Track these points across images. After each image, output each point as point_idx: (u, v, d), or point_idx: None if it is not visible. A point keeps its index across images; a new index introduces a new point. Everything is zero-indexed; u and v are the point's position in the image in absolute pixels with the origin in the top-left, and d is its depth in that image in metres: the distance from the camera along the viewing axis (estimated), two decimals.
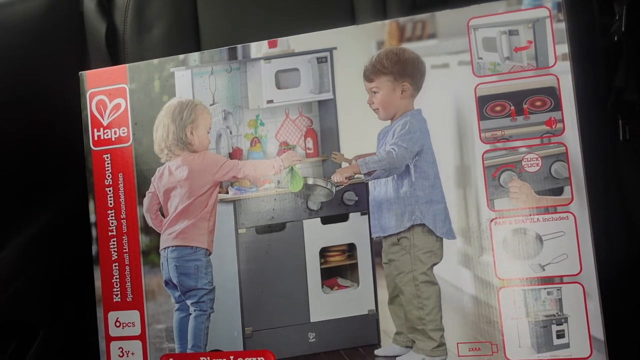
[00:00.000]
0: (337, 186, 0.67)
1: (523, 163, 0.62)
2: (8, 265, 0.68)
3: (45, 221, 0.75)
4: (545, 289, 0.61)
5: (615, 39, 0.67)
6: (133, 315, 0.70)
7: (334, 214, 0.68)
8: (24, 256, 0.71)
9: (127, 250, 0.70)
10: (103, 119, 0.71)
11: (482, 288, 0.62)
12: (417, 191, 0.65)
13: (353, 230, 0.67)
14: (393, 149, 0.65)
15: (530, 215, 0.61)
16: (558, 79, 0.61)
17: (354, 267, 0.67)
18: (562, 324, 0.60)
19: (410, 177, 0.65)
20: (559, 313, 0.60)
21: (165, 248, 0.69)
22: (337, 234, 0.68)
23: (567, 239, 0.60)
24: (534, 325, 0.61)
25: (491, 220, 0.62)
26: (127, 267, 0.70)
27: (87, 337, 0.72)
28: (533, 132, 0.62)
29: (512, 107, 0.62)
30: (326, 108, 0.68)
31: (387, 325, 0.66)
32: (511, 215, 0.62)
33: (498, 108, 0.62)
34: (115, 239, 0.70)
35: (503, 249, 0.62)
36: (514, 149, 0.62)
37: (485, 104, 0.63)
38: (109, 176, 0.71)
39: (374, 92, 0.66)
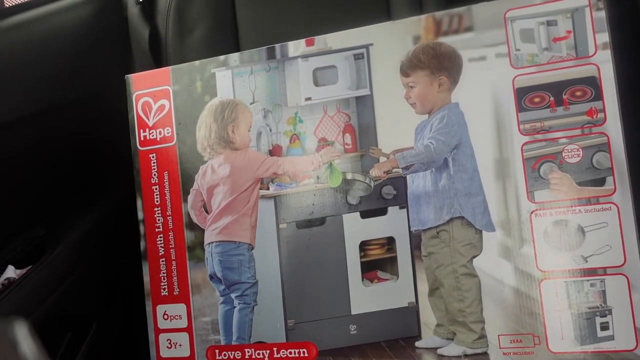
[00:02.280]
0: (375, 180, 0.68)
1: (563, 154, 0.61)
2: (63, 261, 0.72)
3: (97, 218, 0.78)
4: (588, 280, 0.60)
5: None
6: (180, 309, 0.73)
7: (372, 208, 0.68)
8: (78, 252, 0.74)
9: (173, 246, 0.73)
10: (148, 119, 0.74)
11: (523, 280, 0.62)
12: (456, 184, 0.65)
13: (392, 223, 0.68)
14: (431, 142, 0.66)
15: (571, 206, 0.61)
16: (599, 69, 0.60)
17: (393, 260, 0.68)
18: (606, 316, 0.60)
19: (449, 170, 0.65)
20: (603, 305, 0.60)
21: (209, 243, 0.72)
22: (376, 228, 0.68)
23: (610, 230, 0.60)
24: (577, 317, 0.60)
25: (531, 212, 0.62)
26: (174, 262, 0.73)
27: (137, 329, 0.75)
28: (573, 122, 0.61)
29: (552, 98, 0.62)
30: (364, 104, 0.68)
31: (428, 317, 0.66)
32: (552, 207, 0.61)
33: (537, 99, 0.62)
34: (161, 235, 0.73)
35: (544, 240, 0.62)
36: (553, 140, 0.62)
37: (524, 96, 0.62)
38: (155, 175, 0.74)
39: (411, 87, 0.66)
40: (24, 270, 0.68)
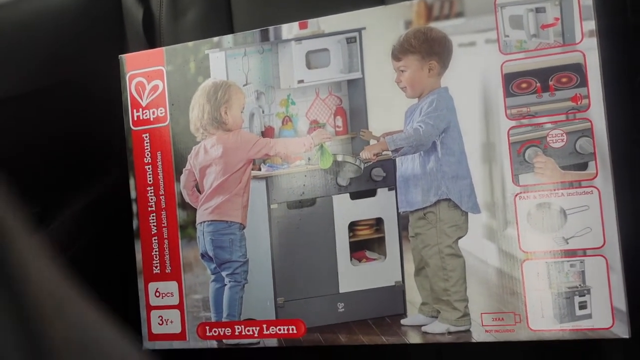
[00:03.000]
0: (365, 163, 0.69)
1: (548, 139, 0.63)
2: (55, 239, 0.72)
3: (91, 197, 0.79)
4: (568, 261, 0.62)
5: None
6: (172, 286, 0.74)
7: (362, 190, 0.70)
8: (71, 230, 0.75)
9: (165, 225, 0.74)
10: (142, 100, 0.75)
11: (506, 260, 0.64)
12: (444, 167, 0.67)
13: (381, 205, 0.70)
14: (420, 126, 0.67)
15: (554, 190, 0.63)
16: (584, 56, 0.62)
17: (381, 241, 0.70)
18: (584, 296, 0.62)
19: (437, 154, 0.67)
20: (582, 285, 0.62)
21: (201, 222, 0.73)
22: (365, 209, 0.70)
23: (591, 213, 0.62)
24: (557, 296, 0.63)
25: (516, 195, 0.64)
26: (166, 241, 0.74)
27: (129, 306, 0.77)
28: (559, 108, 0.63)
29: (538, 84, 0.63)
30: (355, 87, 0.70)
31: (413, 296, 0.68)
32: (536, 190, 0.63)
33: (524, 85, 0.64)
34: (154, 214, 0.74)
35: (527, 222, 0.64)
36: (539, 125, 0.63)
37: (512, 81, 0.64)
38: (148, 155, 0.75)
39: (402, 71, 0.67)
40: None
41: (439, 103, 0.66)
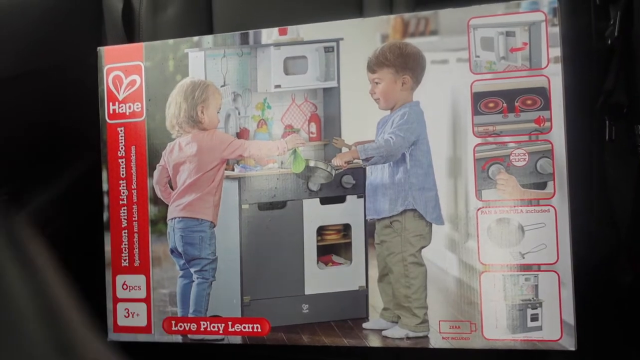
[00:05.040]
0: (336, 169, 0.71)
1: (511, 157, 0.66)
2: (24, 225, 0.72)
3: (61, 187, 0.79)
4: (523, 275, 0.65)
5: (609, 42, 0.70)
6: (139, 280, 0.75)
7: (332, 196, 0.72)
8: (40, 218, 0.75)
9: (136, 219, 0.75)
10: (119, 93, 0.75)
11: (466, 271, 0.67)
12: (411, 178, 0.69)
13: (349, 211, 0.72)
14: (391, 137, 0.69)
15: (514, 206, 0.66)
16: (549, 80, 0.65)
17: (348, 246, 0.72)
18: (536, 308, 0.65)
19: (406, 165, 0.69)
20: (535, 298, 0.65)
21: (172, 219, 0.74)
22: (334, 214, 0.72)
23: (547, 230, 0.65)
24: (511, 308, 0.66)
25: (478, 209, 0.67)
26: (136, 235, 0.75)
27: (95, 297, 0.77)
28: (522, 129, 0.66)
29: (505, 105, 0.66)
30: (330, 95, 0.71)
31: (376, 300, 0.71)
32: (497, 206, 0.66)
33: (491, 104, 0.66)
34: (125, 208, 0.75)
35: (487, 236, 0.66)
36: (503, 143, 0.66)
37: (480, 100, 0.66)
38: (122, 148, 0.75)
39: (376, 83, 0.69)
40: None
41: (410, 116, 0.69)
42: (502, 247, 0.66)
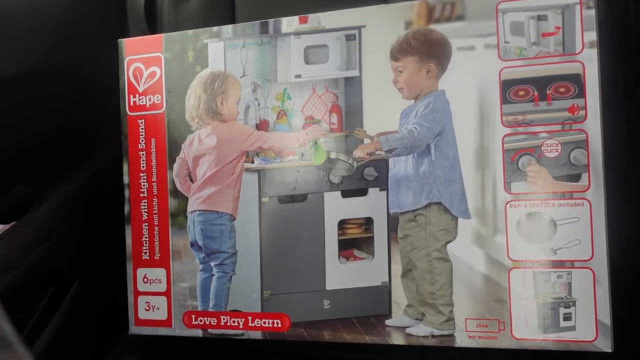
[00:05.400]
0: (358, 161, 0.69)
1: (542, 148, 0.63)
2: (47, 219, 0.73)
3: (83, 180, 0.79)
4: (555, 272, 0.62)
5: None
6: (160, 273, 0.74)
7: (353, 188, 0.70)
8: (62, 211, 0.75)
9: (156, 212, 0.74)
10: (139, 85, 0.75)
11: (494, 268, 0.64)
12: (436, 170, 0.66)
13: (371, 204, 0.69)
14: (415, 128, 0.67)
15: (546, 199, 0.62)
16: (584, 66, 0.61)
17: (370, 240, 0.70)
18: (569, 307, 0.62)
19: (430, 157, 0.67)
20: (568, 296, 0.62)
21: (192, 211, 0.73)
22: (355, 208, 0.70)
23: (581, 225, 0.61)
24: (542, 306, 0.62)
25: (507, 203, 0.63)
26: (156, 228, 0.74)
27: (117, 291, 0.77)
28: (555, 118, 0.62)
29: (536, 92, 0.63)
30: (352, 85, 0.69)
31: (399, 297, 0.68)
32: (527, 199, 0.63)
33: (521, 92, 0.63)
34: (146, 201, 0.74)
35: (517, 231, 0.63)
36: (534, 134, 0.63)
37: (509, 88, 0.63)
38: (142, 141, 0.75)
39: (400, 72, 0.67)
40: (7, 227, 0.69)
41: (435, 106, 0.66)
42: (533, 243, 0.63)
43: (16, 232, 0.68)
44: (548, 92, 0.62)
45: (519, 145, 0.63)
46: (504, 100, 0.63)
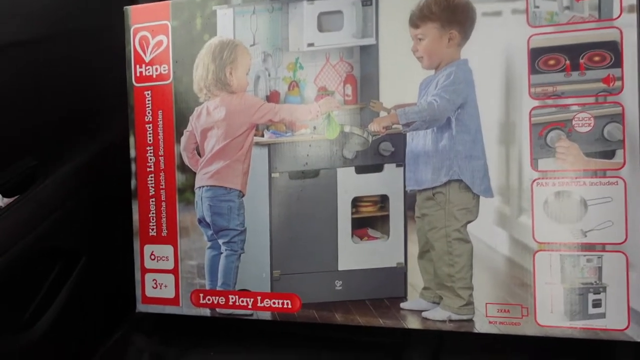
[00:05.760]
0: (373, 136, 0.65)
1: (573, 122, 0.58)
2: (52, 192, 0.71)
3: (89, 154, 0.77)
4: (585, 255, 0.58)
5: None
6: (167, 250, 0.72)
7: (368, 164, 0.66)
8: (68, 185, 0.73)
9: (163, 187, 0.72)
10: (145, 55, 0.72)
11: (518, 250, 0.60)
12: (457, 145, 0.62)
13: (387, 181, 0.66)
14: (435, 100, 0.62)
15: (576, 177, 0.58)
16: (621, 33, 0.56)
17: (385, 219, 0.66)
18: (599, 293, 0.58)
19: (451, 131, 0.63)
20: (598, 282, 0.58)
21: (200, 187, 0.70)
22: (370, 185, 0.66)
23: (615, 206, 0.57)
24: (570, 292, 0.59)
25: (533, 181, 0.59)
26: (164, 203, 0.72)
27: (124, 268, 0.75)
28: (588, 89, 0.57)
29: (568, 62, 0.58)
30: (368, 54, 0.65)
31: (415, 279, 0.65)
32: (555, 177, 0.59)
33: (552, 62, 0.58)
34: (152, 175, 0.72)
35: (544, 211, 0.59)
36: (565, 106, 0.58)
37: (538, 57, 0.59)
38: (149, 113, 0.72)
39: (419, 39, 0.63)
40: (10, 200, 0.67)
41: (457, 76, 0.62)
42: (561, 224, 0.59)
43: (19, 206, 0.66)
44: (581, 61, 0.57)
45: (547, 119, 0.59)
46: (533, 70, 0.59)
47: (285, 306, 0.68)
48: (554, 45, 0.58)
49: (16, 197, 0.68)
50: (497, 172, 0.61)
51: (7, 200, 0.67)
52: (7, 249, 0.65)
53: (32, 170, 0.72)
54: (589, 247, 0.58)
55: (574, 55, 0.58)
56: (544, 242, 0.59)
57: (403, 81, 0.63)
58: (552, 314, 0.59)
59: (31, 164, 0.71)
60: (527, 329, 0.60)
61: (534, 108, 0.59)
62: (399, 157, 0.65)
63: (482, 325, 0.62)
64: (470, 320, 0.62)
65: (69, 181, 0.73)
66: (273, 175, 0.68)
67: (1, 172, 0.70)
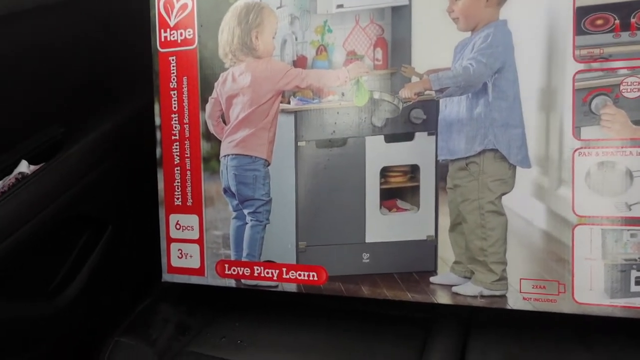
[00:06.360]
0: (404, 102, 0.62)
1: (621, 87, 0.54)
2: (78, 160, 0.70)
3: (116, 121, 0.76)
4: (629, 230, 0.55)
5: None
6: (192, 220, 0.71)
7: (399, 132, 0.63)
8: (94, 153, 0.72)
9: (188, 156, 0.70)
10: (170, 19, 0.70)
11: (556, 223, 0.57)
12: (493, 113, 0.59)
13: (418, 150, 0.63)
14: (471, 64, 0.59)
15: (622, 147, 0.54)
16: None
17: (415, 190, 0.63)
18: None
19: (487, 97, 0.59)
20: None
21: (225, 156, 0.69)
22: (400, 154, 0.63)
23: None
24: (611, 268, 0.55)
25: (575, 150, 0.56)
26: (188, 172, 0.70)
27: (151, 237, 0.75)
28: (638, 51, 0.53)
29: (617, 21, 0.54)
30: (400, 15, 0.62)
31: (446, 252, 0.62)
32: (599, 147, 0.55)
33: (599, 21, 0.54)
34: (178, 143, 0.71)
35: (585, 182, 0.56)
36: (612, 70, 0.54)
37: (585, 16, 0.54)
38: (173, 79, 0.70)
39: None
40: (36, 167, 0.67)
41: (495, 38, 0.58)
42: (604, 196, 0.55)
43: (45, 173, 0.66)
44: (632, 20, 0.53)
45: (593, 84, 0.55)
46: (578, 30, 0.55)
47: (311, 278, 0.66)
48: (602, 3, 0.54)
49: (42, 164, 0.67)
50: (536, 141, 0.57)
51: (33, 168, 0.67)
52: (34, 217, 0.65)
53: (59, 138, 0.71)
54: (633, 222, 0.54)
55: (624, 15, 0.53)
56: (584, 215, 0.56)
57: (437, 44, 0.60)
58: (591, 291, 0.56)
59: (57, 131, 0.71)
60: (563, 306, 0.57)
61: (578, 72, 0.55)
62: (431, 125, 0.62)
63: (515, 302, 0.59)
64: (503, 296, 0.60)
65: (95, 149, 0.73)
66: (299, 143, 0.66)
67: (28, 139, 0.69)
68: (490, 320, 0.65)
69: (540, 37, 0.56)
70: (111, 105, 0.76)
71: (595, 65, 0.54)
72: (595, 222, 0.56)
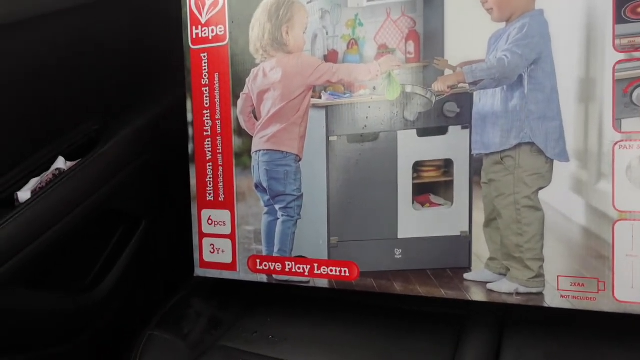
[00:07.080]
0: (437, 96, 0.61)
1: None
2: (113, 156, 0.71)
3: (150, 117, 0.77)
4: None
5: None
6: (224, 215, 0.72)
7: (431, 126, 0.62)
8: (129, 149, 0.74)
9: (220, 151, 0.71)
10: (201, 16, 0.70)
11: (595, 219, 0.55)
12: (529, 105, 0.57)
13: (451, 144, 0.62)
14: (505, 55, 0.57)
15: None
16: None
17: (449, 185, 0.62)
18: None
19: (523, 89, 0.58)
20: None
21: (256, 151, 0.69)
22: (433, 148, 0.62)
23: None
24: None
25: (615, 143, 0.54)
26: (220, 168, 0.71)
27: (184, 232, 0.75)
28: None
29: None
30: (432, 7, 0.61)
31: (481, 249, 0.61)
32: None
33: None
34: (210, 139, 0.71)
35: (626, 176, 0.54)
36: None
37: (625, 4, 0.53)
38: (205, 76, 0.71)
39: None
40: (74, 163, 0.68)
41: (531, 29, 0.56)
42: None
43: (81, 169, 0.67)
44: None
45: (634, 74, 0.53)
46: (618, 19, 0.53)
47: (342, 274, 0.66)
48: None
49: (78, 160, 0.69)
50: (574, 134, 0.56)
51: (70, 164, 0.69)
52: (71, 212, 0.66)
53: (95, 134, 0.73)
54: None
55: None
56: (625, 210, 0.54)
57: (470, 36, 0.59)
58: (633, 289, 0.54)
59: (94, 127, 0.72)
60: (603, 305, 0.55)
61: (618, 62, 0.53)
62: (464, 119, 0.61)
63: (552, 299, 0.58)
64: (540, 294, 0.58)
65: (129, 145, 0.74)
66: (331, 138, 0.66)
67: (64, 135, 0.71)
68: (525, 318, 0.63)
69: (578, 26, 0.54)
70: (145, 102, 0.77)
71: (636, 54, 0.53)
72: (637, 218, 0.54)
